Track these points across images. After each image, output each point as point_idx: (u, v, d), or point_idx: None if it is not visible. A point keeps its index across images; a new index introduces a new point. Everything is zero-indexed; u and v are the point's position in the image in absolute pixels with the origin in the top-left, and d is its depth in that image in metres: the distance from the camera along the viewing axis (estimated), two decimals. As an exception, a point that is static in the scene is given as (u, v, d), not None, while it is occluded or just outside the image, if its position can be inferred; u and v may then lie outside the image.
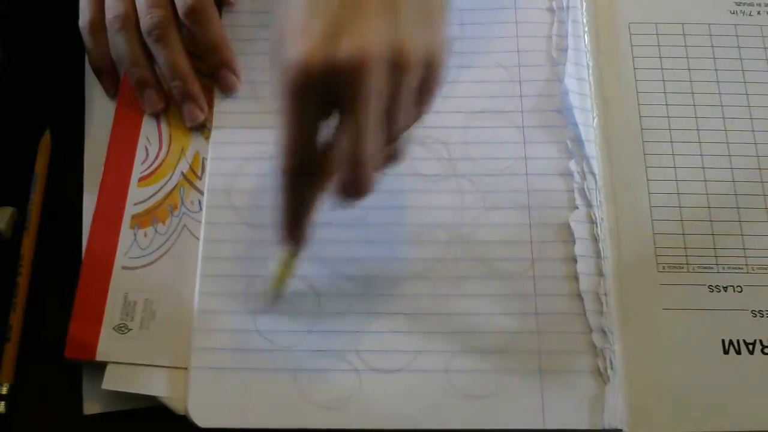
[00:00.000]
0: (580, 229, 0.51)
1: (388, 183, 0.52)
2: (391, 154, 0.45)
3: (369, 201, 0.51)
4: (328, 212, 0.50)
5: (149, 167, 0.53)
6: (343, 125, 0.41)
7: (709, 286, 0.50)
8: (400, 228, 0.51)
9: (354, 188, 0.43)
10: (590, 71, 0.56)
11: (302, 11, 0.40)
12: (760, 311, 0.50)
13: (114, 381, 0.48)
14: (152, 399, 0.48)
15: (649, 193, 0.53)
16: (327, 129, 0.43)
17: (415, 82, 0.42)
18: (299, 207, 0.45)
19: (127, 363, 0.48)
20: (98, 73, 0.56)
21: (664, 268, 0.51)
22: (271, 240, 0.46)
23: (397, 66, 0.40)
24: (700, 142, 0.54)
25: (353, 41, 0.39)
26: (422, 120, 0.45)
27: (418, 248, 0.51)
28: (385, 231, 0.51)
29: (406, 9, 0.41)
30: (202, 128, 0.54)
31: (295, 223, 0.45)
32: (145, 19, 0.53)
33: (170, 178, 0.53)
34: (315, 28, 0.40)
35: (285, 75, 0.40)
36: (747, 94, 0.56)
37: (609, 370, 0.48)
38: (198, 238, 0.51)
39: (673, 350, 0.49)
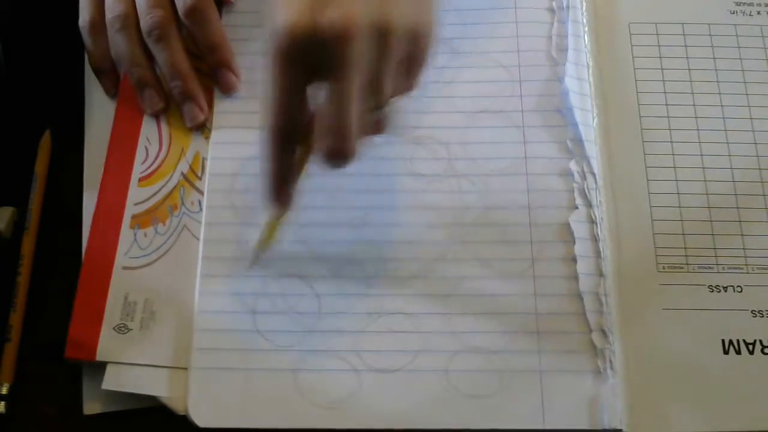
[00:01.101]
0: (580, 229, 0.51)
1: (388, 183, 0.52)
2: (377, 124, 0.46)
3: (369, 201, 0.52)
4: (328, 212, 0.51)
5: (149, 167, 0.53)
6: (328, 92, 0.43)
7: (709, 286, 0.50)
8: (399, 228, 0.51)
9: (337, 154, 0.44)
10: (590, 71, 0.56)
11: None
12: (760, 311, 0.50)
13: (114, 381, 0.48)
14: (152, 399, 0.48)
15: (649, 193, 0.53)
16: (315, 96, 0.44)
17: (400, 55, 0.43)
18: (284, 168, 0.46)
19: (127, 363, 0.48)
20: (98, 73, 0.56)
21: (664, 268, 0.51)
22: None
23: (381, 37, 0.42)
24: (700, 142, 0.54)
25: (338, 9, 0.41)
26: (410, 93, 0.46)
27: (418, 248, 0.51)
28: (384, 231, 0.51)
29: None
30: (202, 128, 0.54)
31: (280, 185, 0.46)
32: (145, 19, 0.53)
33: (170, 178, 0.53)
34: None
35: (272, 40, 0.42)
36: (747, 94, 0.56)
37: (609, 370, 0.48)
38: (198, 238, 0.51)
39: (673, 350, 0.49)
